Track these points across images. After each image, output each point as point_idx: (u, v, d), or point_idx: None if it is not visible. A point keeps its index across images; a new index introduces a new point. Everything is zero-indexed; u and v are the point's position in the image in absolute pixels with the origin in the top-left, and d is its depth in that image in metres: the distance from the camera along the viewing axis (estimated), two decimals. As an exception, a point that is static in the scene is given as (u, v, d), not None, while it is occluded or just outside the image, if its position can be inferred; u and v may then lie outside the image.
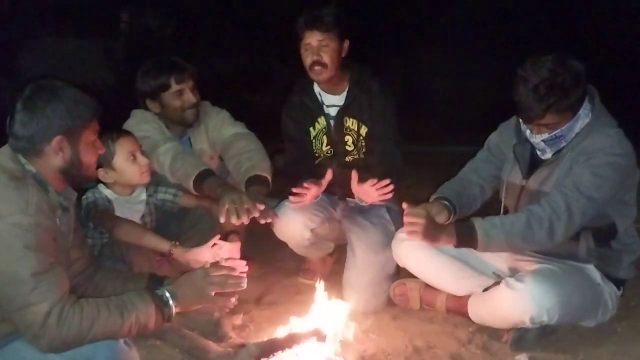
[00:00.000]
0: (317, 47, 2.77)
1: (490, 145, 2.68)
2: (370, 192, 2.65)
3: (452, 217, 2.51)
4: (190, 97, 2.86)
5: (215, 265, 2.07)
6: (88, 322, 1.72)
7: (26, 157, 1.83)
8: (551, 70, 2.21)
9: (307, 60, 2.81)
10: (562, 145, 2.35)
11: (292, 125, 3.02)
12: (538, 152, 2.44)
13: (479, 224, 2.27)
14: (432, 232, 2.29)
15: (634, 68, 7.44)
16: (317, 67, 2.80)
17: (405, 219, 2.31)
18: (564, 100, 2.22)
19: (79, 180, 1.95)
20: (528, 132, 2.37)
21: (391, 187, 2.59)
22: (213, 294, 1.98)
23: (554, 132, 2.30)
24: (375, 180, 2.61)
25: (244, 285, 2.04)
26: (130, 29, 9.38)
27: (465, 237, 2.28)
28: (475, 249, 2.31)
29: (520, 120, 2.40)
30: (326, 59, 2.78)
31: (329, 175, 2.73)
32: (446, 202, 2.52)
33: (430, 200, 2.57)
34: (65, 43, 8.40)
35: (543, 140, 2.33)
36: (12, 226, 1.69)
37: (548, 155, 2.41)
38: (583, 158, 2.28)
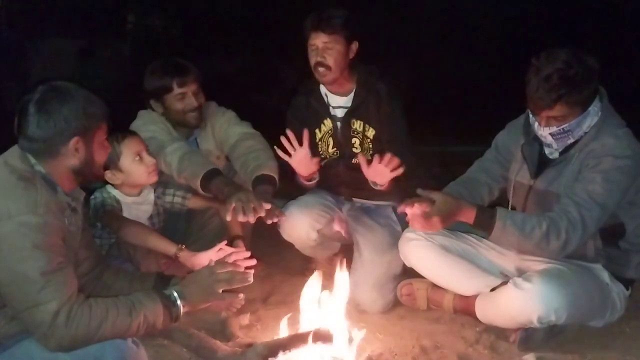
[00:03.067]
0: (322, 49, 2.76)
1: (497, 144, 2.67)
2: (380, 169, 2.57)
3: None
4: (192, 101, 2.86)
5: (221, 262, 2.08)
6: (96, 321, 1.72)
7: (38, 158, 1.84)
8: (565, 62, 2.20)
9: (312, 61, 2.81)
10: (569, 142, 2.34)
11: (298, 126, 3.01)
12: (546, 152, 2.43)
13: (500, 214, 2.26)
14: (449, 209, 2.26)
15: (635, 68, 7.42)
16: (320, 69, 2.79)
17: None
18: (574, 93, 2.21)
19: (89, 179, 1.98)
20: (536, 125, 2.35)
21: (398, 161, 2.51)
22: (220, 291, 1.99)
23: (562, 126, 2.28)
24: (379, 157, 2.54)
25: (251, 279, 2.04)
26: (136, 30, 9.41)
27: (484, 221, 2.26)
28: (488, 236, 2.31)
29: (530, 112, 2.39)
30: (330, 61, 2.77)
31: (306, 134, 2.66)
32: None
33: None
34: (72, 44, 8.43)
35: (550, 134, 2.32)
36: (21, 226, 1.70)
37: (555, 154, 2.40)
38: (593, 162, 2.27)
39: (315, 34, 2.77)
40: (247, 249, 2.61)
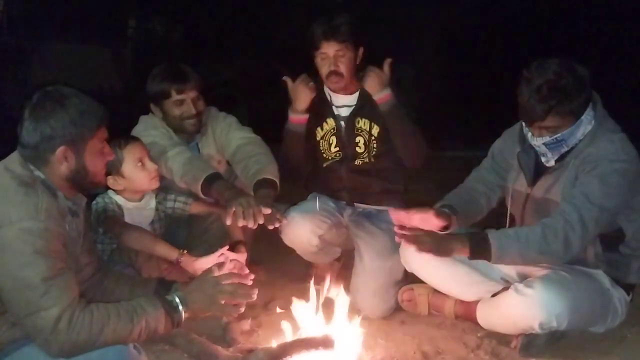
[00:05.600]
0: (334, 57, 2.78)
1: (494, 152, 2.67)
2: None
3: (451, 223, 2.48)
4: (190, 108, 2.86)
5: (227, 273, 2.07)
6: (98, 326, 1.72)
7: (33, 164, 1.84)
8: (556, 73, 2.20)
9: (324, 69, 2.82)
10: (563, 151, 2.34)
11: None
12: (542, 159, 2.43)
13: (493, 235, 2.24)
14: (443, 246, 2.27)
15: (634, 69, 7.43)
16: (334, 77, 2.81)
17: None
18: (566, 104, 2.21)
19: (87, 187, 1.95)
20: (530, 134, 2.36)
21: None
22: (222, 302, 1.98)
23: (555, 136, 2.29)
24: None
25: (254, 296, 2.02)
26: (137, 35, 9.42)
27: (479, 249, 2.24)
28: (489, 261, 2.27)
29: (523, 122, 2.39)
30: (343, 68, 2.79)
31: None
32: (445, 210, 2.50)
33: (435, 207, 2.54)
34: (73, 49, 8.44)
35: (544, 144, 2.32)
36: (22, 232, 1.70)
37: (552, 162, 2.40)
38: (589, 167, 2.27)
39: (327, 43, 2.77)
40: (248, 255, 2.61)
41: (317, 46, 2.79)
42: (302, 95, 2.86)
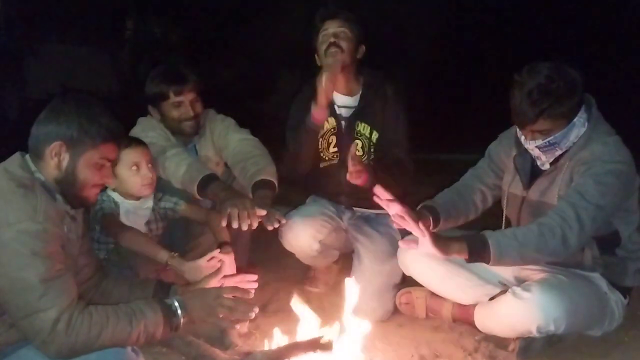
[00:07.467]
0: (336, 33, 2.79)
1: (491, 154, 2.68)
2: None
3: (432, 224, 2.49)
4: (188, 110, 2.86)
5: (230, 287, 2.06)
6: (97, 329, 1.72)
7: (32, 158, 1.86)
8: (547, 77, 2.21)
9: (324, 46, 2.81)
10: (557, 153, 2.35)
11: (299, 117, 2.93)
12: (538, 163, 2.44)
13: (491, 236, 2.24)
14: (440, 248, 2.25)
15: (633, 70, 7.43)
16: (333, 49, 2.78)
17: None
18: (557, 107, 2.22)
19: (73, 197, 1.91)
20: (523, 138, 2.37)
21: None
22: (220, 316, 1.97)
23: (548, 139, 2.30)
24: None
25: (252, 315, 2.00)
26: (135, 36, 9.41)
27: (478, 251, 2.23)
28: (487, 263, 2.25)
29: (516, 126, 2.40)
30: (343, 44, 2.79)
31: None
32: (426, 212, 2.50)
33: (417, 208, 2.54)
34: (71, 50, 8.43)
35: (537, 147, 2.33)
36: (21, 233, 1.70)
37: (546, 165, 2.41)
38: (583, 168, 2.28)
39: (331, 21, 2.81)
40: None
41: (319, 27, 2.82)
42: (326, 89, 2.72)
